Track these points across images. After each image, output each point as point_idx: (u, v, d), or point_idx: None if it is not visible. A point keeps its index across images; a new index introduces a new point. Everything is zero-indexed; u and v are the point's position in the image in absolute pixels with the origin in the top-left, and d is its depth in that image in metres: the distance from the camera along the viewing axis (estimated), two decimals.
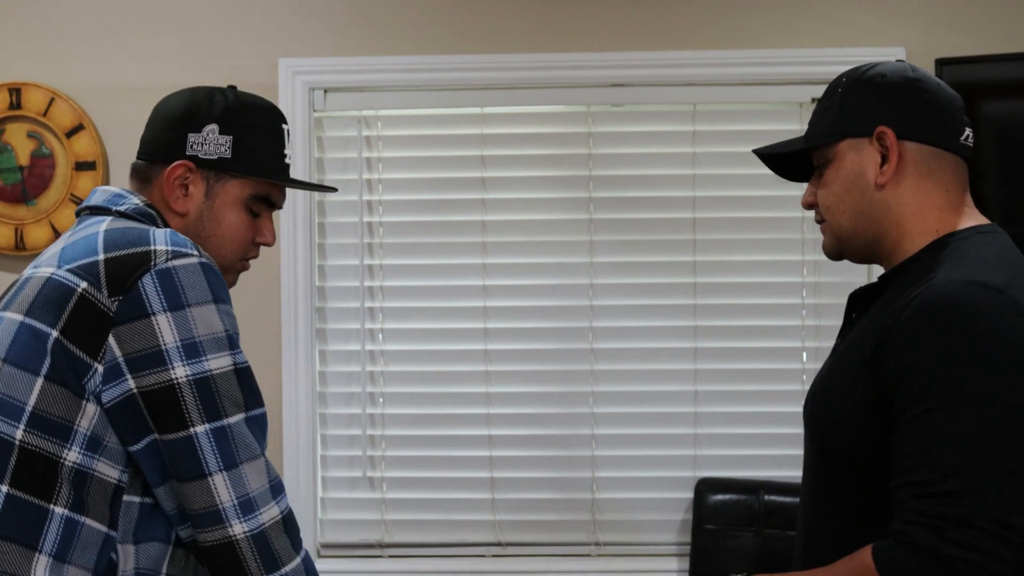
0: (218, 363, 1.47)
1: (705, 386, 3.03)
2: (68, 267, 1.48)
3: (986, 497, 1.35)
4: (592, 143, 3.04)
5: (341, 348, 3.08)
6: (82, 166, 3.00)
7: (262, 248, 1.74)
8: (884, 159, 1.55)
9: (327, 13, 3.03)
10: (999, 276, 1.44)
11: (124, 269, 1.45)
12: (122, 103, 2.98)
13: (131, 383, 1.44)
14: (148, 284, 1.45)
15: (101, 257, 1.47)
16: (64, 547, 1.45)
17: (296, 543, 1.51)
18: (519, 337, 3.05)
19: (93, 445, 1.46)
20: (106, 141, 3.02)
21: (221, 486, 1.45)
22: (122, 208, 1.60)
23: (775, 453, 2.99)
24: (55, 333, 1.45)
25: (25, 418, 1.45)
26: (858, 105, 1.57)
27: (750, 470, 3.00)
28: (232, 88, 1.71)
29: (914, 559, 1.36)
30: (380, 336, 3.07)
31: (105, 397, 1.44)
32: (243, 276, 1.76)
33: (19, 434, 1.45)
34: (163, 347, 1.44)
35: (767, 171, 1.77)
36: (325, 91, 3.04)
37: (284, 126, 1.73)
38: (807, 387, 1.95)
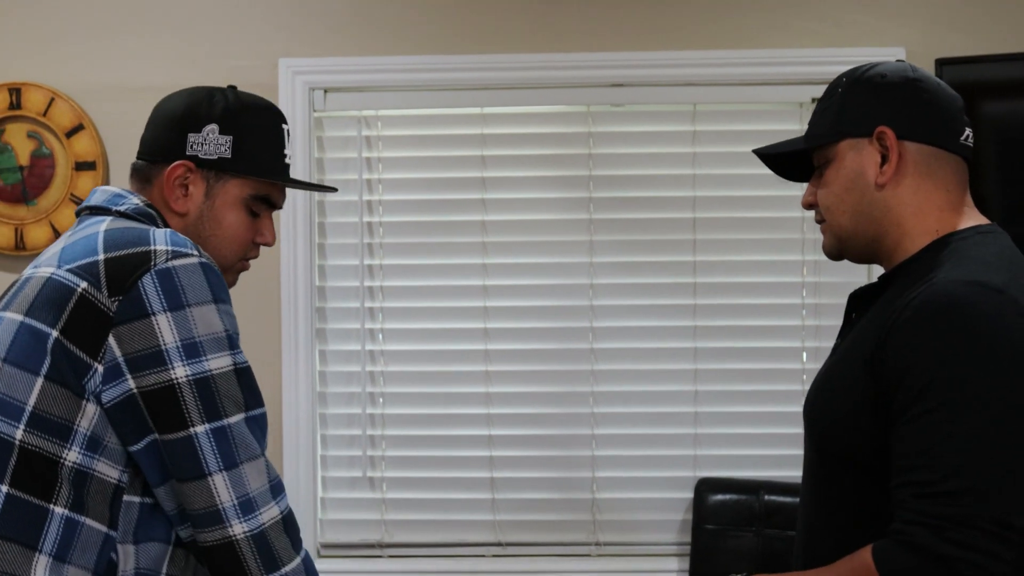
0: (218, 363, 1.47)
1: (705, 386, 3.03)
2: (68, 267, 1.48)
3: (986, 497, 1.35)
4: (592, 143, 3.04)
5: (341, 348, 3.08)
6: (82, 166, 3.00)
7: (262, 248, 1.74)
8: (884, 159, 1.55)
9: (327, 13, 3.03)
10: (999, 276, 1.44)
11: (124, 269, 1.45)
12: (122, 103, 2.98)
13: (131, 383, 1.44)
14: (148, 284, 1.45)
15: (101, 257, 1.47)
16: (64, 547, 1.45)
17: (296, 543, 1.51)
18: (519, 337, 3.05)
19: (93, 445, 1.46)
20: (106, 141, 3.02)
21: (221, 486, 1.45)
22: (122, 208, 1.60)
23: (775, 453, 2.99)
24: (55, 333, 1.45)
25: (25, 418, 1.45)
26: (858, 105, 1.57)
27: (750, 470, 3.00)
28: (232, 88, 1.71)
29: (914, 559, 1.36)
30: (380, 336, 3.07)
31: (105, 397, 1.44)
32: (243, 276, 1.76)
33: (19, 434, 1.45)
34: (163, 347, 1.44)
35: (767, 171, 1.77)
36: (325, 91, 3.04)
37: (284, 126, 1.72)
38: (807, 387, 1.95)
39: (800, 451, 1.69)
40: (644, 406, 3.03)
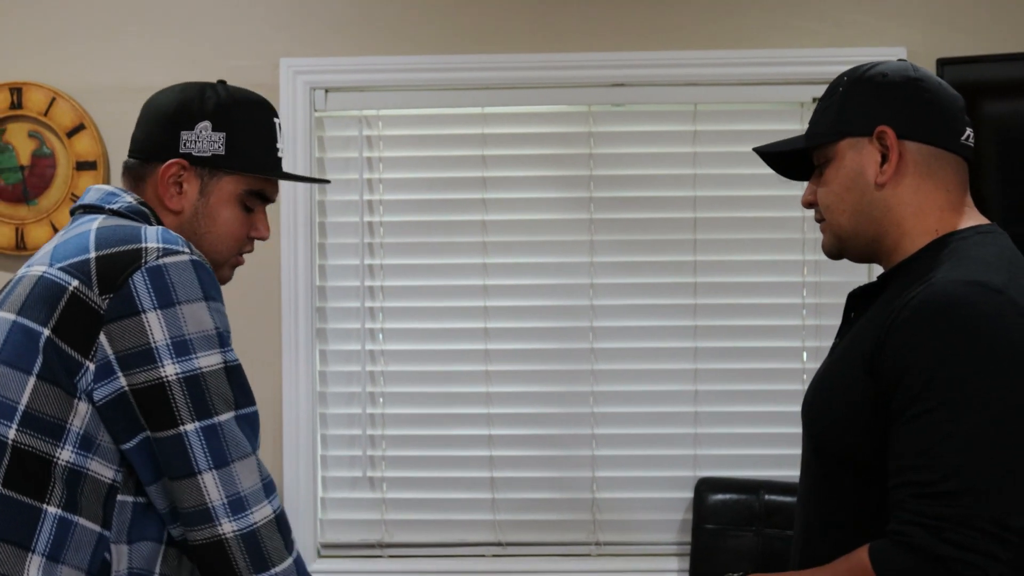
0: (208, 361, 1.46)
1: (705, 386, 3.03)
2: (59, 265, 1.48)
3: (985, 498, 1.34)
4: (593, 143, 3.04)
5: (341, 348, 3.07)
6: (83, 166, 3.00)
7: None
8: (884, 158, 1.55)
9: (328, 13, 3.03)
10: (998, 276, 1.43)
11: (115, 267, 1.45)
12: (123, 103, 2.98)
13: (122, 381, 1.44)
14: (139, 281, 1.44)
15: (92, 255, 1.47)
16: (57, 547, 1.44)
17: (288, 544, 1.51)
18: (519, 337, 3.05)
19: (86, 444, 1.45)
20: (107, 141, 3.02)
21: (211, 484, 1.44)
22: (115, 206, 1.59)
23: (775, 453, 2.98)
24: (47, 332, 1.45)
25: (18, 417, 1.45)
26: (859, 104, 1.57)
27: (750, 470, 3.00)
28: (222, 83, 1.71)
29: (911, 559, 1.36)
30: (380, 336, 3.07)
31: (97, 395, 1.44)
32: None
33: (12, 434, 1.45)
34: (153, 345, 1.43)
35: (768, 171, 1.77)
36: (326, 91, 3.04)
37: (276, 119, 1.72)
38: (807, 387, 1.95)
39: (800, 451, 1.69)
40: (644, 406, 3.03)
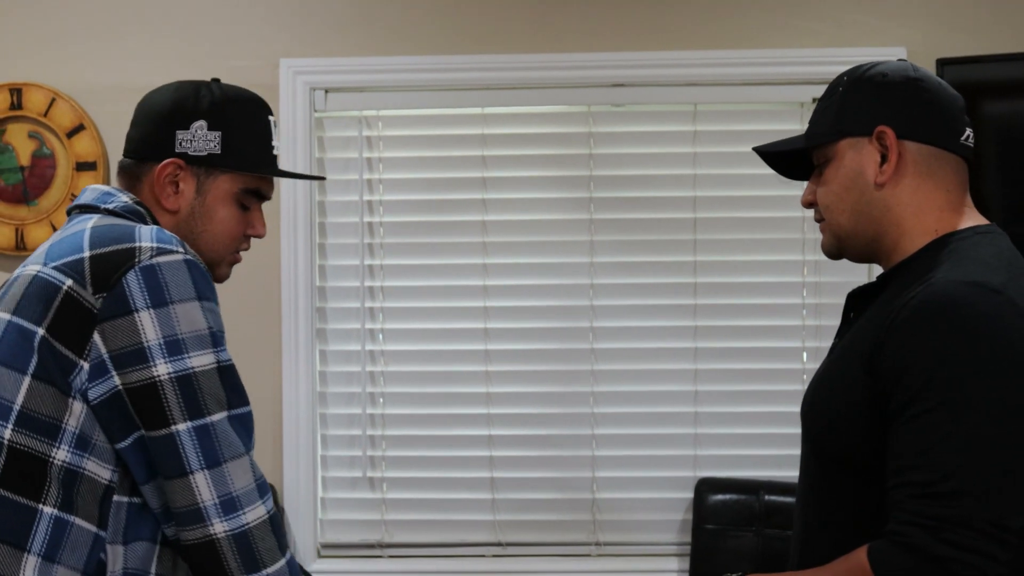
0: (201, 361, 1.46)
1: (705, 386, 3.03)
2: (54, 265, 1.48)
3: (984, 498, 1.34)
4: (593, 143, 3.04)
5: (341, 348, 3.07)
6: (83, 166, 3.00)
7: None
8: (884, 158, 1.55)
9: (328, 13, 3.03)
10: (998, 277, 1.43)
11: (109, 266, 1.45)
12: (123, 103, 2.95)
13: (116, 380, 1.43)
14: (132, 281, 1.44)
15: (86, 254, 1.47)
16: (53, 547, 1.44)
17: (282, 545, 1.50)
18: (519, 337, 3.05)
19: (82, 443, 1.45)
20: (107, 141, 3.03)
21: (203, 484, 1.44)
22: (111, 206, 1.59)
23: (775, 453, 2.98)
24: (41, 331, 1.44)
25: (13, 417, 1.44)
26: (859, 104, 1.57)
27: (750, 470, 2.99)
28: (216, 81, 1.71)
29: (910, 560, 1.36)
30: (380, 336, 3.07)
31: (91, 394, 1.44)
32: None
33: (7, 433, 1.44)
34: (146, 344, 1.43)
35: (768, 171, 1.77)
36: (326, 91, 3.04)
37: (271, 117, 1.72)
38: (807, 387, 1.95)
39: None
40: (644, 406, 3.03)
